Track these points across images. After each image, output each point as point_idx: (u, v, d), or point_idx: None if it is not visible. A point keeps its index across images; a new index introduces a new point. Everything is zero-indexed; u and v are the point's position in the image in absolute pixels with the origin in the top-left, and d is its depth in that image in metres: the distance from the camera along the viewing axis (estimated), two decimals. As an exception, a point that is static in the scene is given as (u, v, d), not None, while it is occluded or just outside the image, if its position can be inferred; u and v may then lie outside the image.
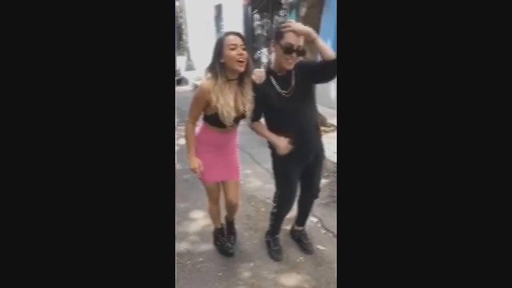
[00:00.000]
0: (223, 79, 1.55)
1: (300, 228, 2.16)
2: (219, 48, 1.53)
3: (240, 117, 1.65)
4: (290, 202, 1.92)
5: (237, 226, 2.27)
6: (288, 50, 1.53)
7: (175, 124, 4.58)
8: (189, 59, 10.85)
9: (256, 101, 1.65)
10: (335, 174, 3.06)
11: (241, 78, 1.60)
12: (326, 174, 3.15)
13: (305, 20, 3.86)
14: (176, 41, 11.67)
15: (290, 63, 1.57)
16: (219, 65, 1.54)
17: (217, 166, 1.80)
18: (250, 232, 2.32)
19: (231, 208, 2.01)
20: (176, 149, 3.78)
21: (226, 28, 8.09)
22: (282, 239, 2.19)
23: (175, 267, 1.95)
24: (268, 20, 6.93)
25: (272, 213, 2.03)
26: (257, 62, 6.88)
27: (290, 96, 1.63)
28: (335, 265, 1.94)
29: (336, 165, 3.14)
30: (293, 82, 1.63)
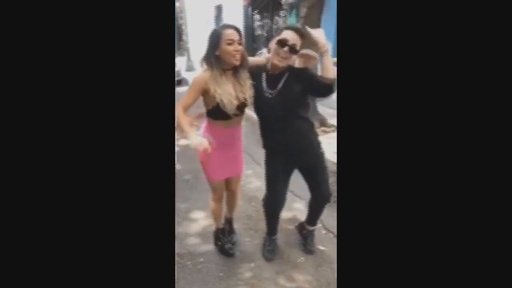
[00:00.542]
0: (219, 70, 1.56)
1: (310, 228, 2.14)
2: (216, 40, 1.53)
3: (242, 105, 1.64)
4: (274, 204, 1.93)
5: (238, 226, 2.27)
6: (281, 43, 1.54)
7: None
8: (189, 59, 10.84)
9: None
10: (336, 174, 3.05)
11: (236, 68, 1.61)
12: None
13: (305, 21, 3.86)
14: (176, 42, 11.68)
15: (280, 60, 1.57)
16: (214, 57, 1.55)
17: (224, 163, 1.80)
18: (250, 232, 2.32)
19: (232, 201, 2.02)
20: (176, 150, 3.78)
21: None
22: (282, 239, 2.19)
23: (176, 267, 1.95)
24: (268, 21, 6.93)
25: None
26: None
27: (273, 97, 1.63)
28: (335, 266, 1.94)
29: (336, 165, 3.14)
30: (280, 85, 1.62)
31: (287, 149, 1.74)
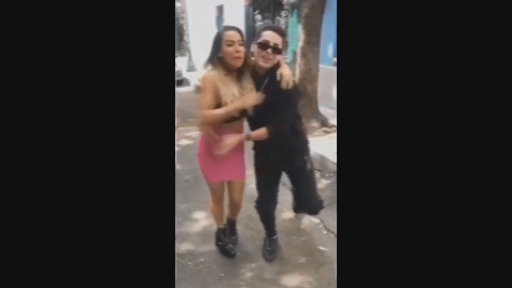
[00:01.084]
0: (223, 71, 1.56)
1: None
2: (218, 42, 1.54)
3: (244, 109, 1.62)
4: (265, 205, 1.95)
5: (239, 226, 2.27)
6: (263, 45, 1.54)
7: (176, 125, 4.60)
8: (190, 59, 10.86)
9: None
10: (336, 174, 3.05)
11: (240, 71, 1.60)
12: (328, 174, 3.15)
13: (306, 21, 3.86)
14: (177, 42, 11.70)
15: (265, 61, 1.56)
16: (217, 59, 1.56)
17: (223, 165, 1.78)
18: (251, 232, 2.32)
19: (234, 208, 2.02)
20: (176, 150, 3.78)
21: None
22: (283, 240, 2.19)
23: (176, 268, 1.95)
24: (270, 21, 6.93)
25: None
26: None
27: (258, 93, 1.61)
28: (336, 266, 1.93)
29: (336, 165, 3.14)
30: (262, 87, 1.61)
31: (269, 152, 1.74)
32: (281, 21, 6.52)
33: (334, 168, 3.18)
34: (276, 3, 6.55)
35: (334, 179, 3.04)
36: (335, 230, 2.29)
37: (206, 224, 2.41)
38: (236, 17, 7.86)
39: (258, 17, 7.38)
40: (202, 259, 2.06)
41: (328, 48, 4.89)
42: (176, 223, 2.28)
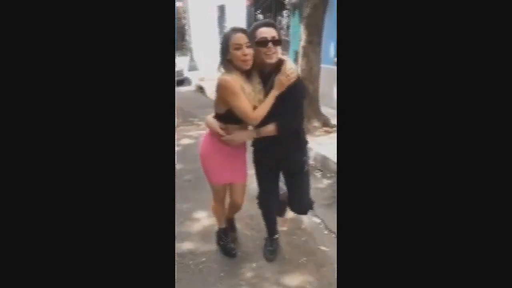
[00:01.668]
0: (236, 72, 1.57)
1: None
2: (225, 46, 1.55)
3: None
4: (266, 203, 1.96)
5: (240, 226, 2.27)
6: (262, 43, 1.54)
7: (177, 124, 4.60)
8: (192, 59, 10.87)
9: None
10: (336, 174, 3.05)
11: (249, 71, 1.60)
12: (329, 174, 3.15)
13: (308, 21, 3.86)
14: (179, 42, 11.72)
15: (270, 56, 1.56)
16: (227, 62, 1.56)
17: (227, 168, 1.78)
18: (252, 232, 2.32)
19: (234, 208, 2.02)
20: (177, 149, 3.79)
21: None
22: (284, 240, 2.19)
23: (177, 267, 1.95)
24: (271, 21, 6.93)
25: None
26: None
27: (265, 91, 1.61)
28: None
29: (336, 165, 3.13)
30: (271, 79, 1.61)
31: (268, 150, 1.74)
32: (283, 21, 6.52)
33: (335, 168, 3.17)
34: (278, 3, 6.55)
35: (335, 179, 3.04)
36: (335, 230, 2.29)
37: (207, 223, 2.41)
38: (238, 17, 7.86)
39: (260, 17, 7.38)
40: (203, 259, 2.06)
41: (330, 48, 4.89)
42: (177, 223, 2.28)
